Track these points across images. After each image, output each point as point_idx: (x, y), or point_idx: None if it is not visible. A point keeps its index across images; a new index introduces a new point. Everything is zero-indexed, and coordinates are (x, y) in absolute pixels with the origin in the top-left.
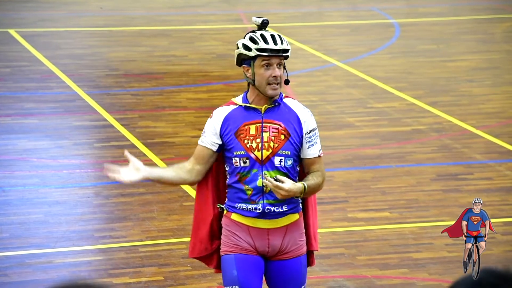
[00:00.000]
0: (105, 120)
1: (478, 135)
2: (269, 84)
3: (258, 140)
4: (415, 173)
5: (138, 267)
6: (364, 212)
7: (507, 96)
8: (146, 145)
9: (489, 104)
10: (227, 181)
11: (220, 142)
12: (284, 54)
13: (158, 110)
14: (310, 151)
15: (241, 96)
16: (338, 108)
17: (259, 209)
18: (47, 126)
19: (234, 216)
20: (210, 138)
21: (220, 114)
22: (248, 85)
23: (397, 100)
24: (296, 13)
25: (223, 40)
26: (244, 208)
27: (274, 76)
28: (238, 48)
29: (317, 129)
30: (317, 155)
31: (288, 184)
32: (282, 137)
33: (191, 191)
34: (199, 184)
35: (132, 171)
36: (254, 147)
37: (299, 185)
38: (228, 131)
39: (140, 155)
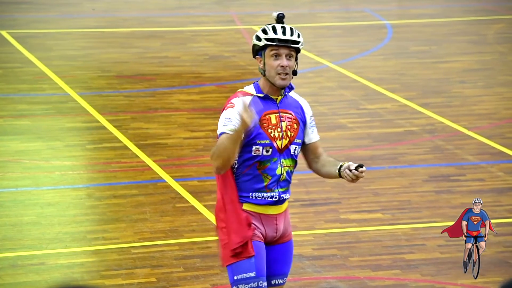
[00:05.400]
0: (97, 121)
1: (470, 136)
2: (278, 74)
3: (278, 129)
4: (408, 174)
5: (130, 269)
6: (357, 213)
7: (499, 98)
8: (139, 146)
9: (481, 106)
10: (238, 171)
11: None
12: (293, 46)
13: (151, 112)
14: (313, 135)
15: (252, 86)
16: (331, 109)
17: (276, 197)
18: (39, 128)
19: (246, 206)
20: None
21: (242, 103)
22: (262, 76)
23: (389, 102)
24: (288, 14)
25: (216, 42)
26: (259, 197)
27: (282, 66)
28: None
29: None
30: (319, 139)
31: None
32: (295, 125)
33: (184, 193)
34: (224, 182)
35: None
36: (276, 136)
37: None
38: None
39: (132, 157)
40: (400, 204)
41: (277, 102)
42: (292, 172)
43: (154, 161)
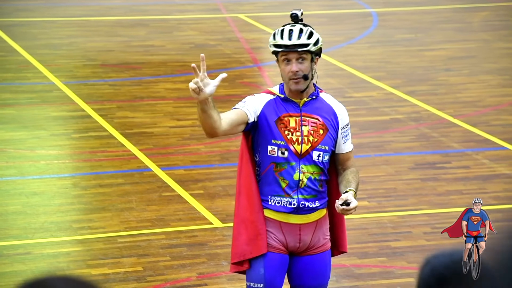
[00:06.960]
0: (83, 110)
1: (455, 124)
2: (290, 79)
3: (298, 133)
4: (394, 162)
5: (117, 258)
6: None
7: (484, 85)
8: (125, 135)
9: (466, 93)
10: (260, 171)
11: (254, 120)
12: (300, 50)
13: (136, 101)
14: (345, 146)
15: (278, 86)
16: None
17: (294, 204)
18: (24, 117)
19: (266, 212)
20: (250, 109)
21: (262, 97)
22: None
23: (375, 90)
24: (274, 3)
25: (201, 30)
26: (278, 203)
27: (292, 71)
28: None
29: (349, 124)
30: (351, 150)
31: (355, 203)
32: (321, 131)
33: (170, 181)
34: (244, 181)
35: (206, 86)
36: (294, 139)
37: (353, 194)
38: (269, 116)
39: (118, 146)
40: (386, 192)
41: (300, 105)
42: (317, 179)
43: (140, 150)
